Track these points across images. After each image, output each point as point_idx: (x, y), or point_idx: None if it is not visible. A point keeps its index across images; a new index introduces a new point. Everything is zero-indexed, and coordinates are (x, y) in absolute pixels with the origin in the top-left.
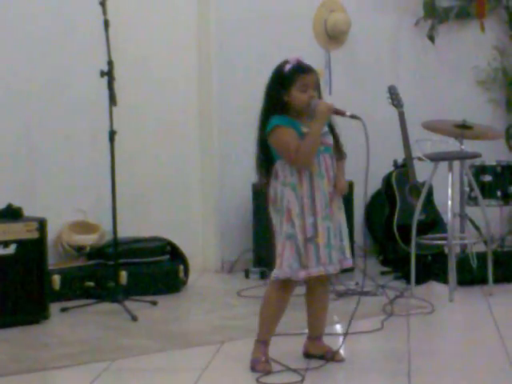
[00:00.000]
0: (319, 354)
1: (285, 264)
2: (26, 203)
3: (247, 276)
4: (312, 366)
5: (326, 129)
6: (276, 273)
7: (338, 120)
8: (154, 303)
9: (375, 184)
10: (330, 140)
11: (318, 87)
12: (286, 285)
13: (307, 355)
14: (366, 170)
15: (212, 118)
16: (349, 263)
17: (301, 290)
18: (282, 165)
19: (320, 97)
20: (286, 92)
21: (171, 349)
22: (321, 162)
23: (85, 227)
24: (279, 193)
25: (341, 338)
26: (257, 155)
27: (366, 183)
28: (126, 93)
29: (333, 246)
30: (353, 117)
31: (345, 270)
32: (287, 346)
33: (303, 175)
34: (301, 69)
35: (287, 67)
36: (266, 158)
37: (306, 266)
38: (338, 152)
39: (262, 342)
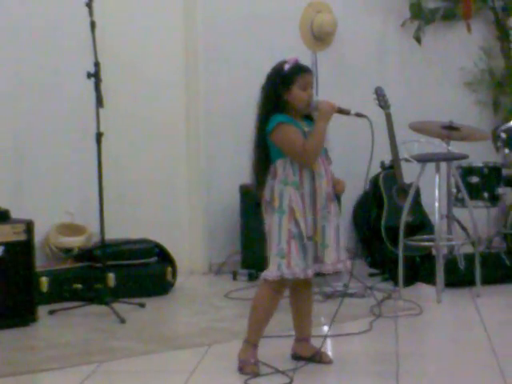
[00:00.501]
0: (307, 355)
1: (293, 263)
2: (13, 205)
3: (235, 278)
4: (300, 367)
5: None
6: (285, 272)
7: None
8: (142, 305)
9: (362, 185)
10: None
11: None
12: (280, 286)
13: (296, 357)
14: (368, 167)
15: (199, 119)
16: (349, 264)
17: (286, 291)
18: (283, 163)
19: None
20: (287, 91)
21: (159, 351)
22: (320, 162)
23: (72, 229)
24: (277, 192)
25: (328, 340)
26: (257, 156)
27: (367, 180)
28: (113, 94)
29: (327, 246)
30: (358, 115)
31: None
32: (275, 348)
33: (305, 174)
34: (301, 68)
35: (287, 66)
36: (265, 158)
37: (309, 264)
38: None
39: (252, 344)
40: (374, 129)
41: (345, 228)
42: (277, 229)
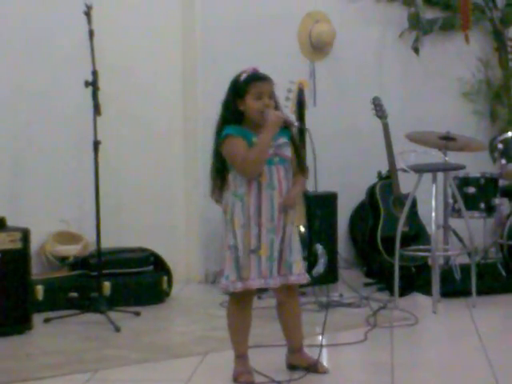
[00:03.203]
0: (303, 365)
1: (225, 275)
2: (10, 213)
3: None
4: (295, 377)
5: (283, 140)
6: (220, 284)
7: (321, 135)
8: (138, 314)
9: (359, 195)
10: (287, 152)
11: (273, 97)
12: (241, 298)
13: (291, 367)
14: (315, 172)
15: (197, 127)
16: (296, 279)
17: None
18: (233, 175)
19: (278, 107)
20: (242, 101)
21: (154, 360)
22: (273, 173)
23: (68, 237)
24: (230, 203)
25: (323, 350)
26: (212, 165)
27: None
28: (111, 103)
29: (275, 260)
30: (300, 126)
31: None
32: (270, 358)
33: (252, 186)
34: (256, 77)
35: (243, 76)
36: (221, 167)
37: (246, 277)
38: (299, 166)
39: (239, 357)
40: (372, 139)
41: (341, 238)
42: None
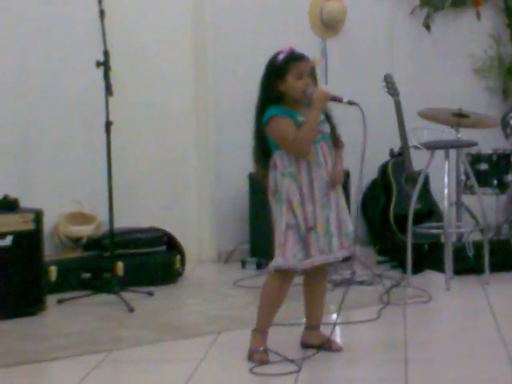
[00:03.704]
0: (317, 343)
1: (289, 254)
2: (23, 194)
3: (243, 266)
4: (309, 355)
5: (322, 117)
6: (280, 263)
7: (333, 109)
8: (151, 294)
9: (371, 173)
10: (326, 128)
11: (313, 75)
12: (287, 275)
13: (305, 345)
14: (362, 155)
15: (208, 108)
16: (354, 249)
17: (297, 279)
18: (280, 155)
19: (316, 85)
20: (282, 81)
21: (168, 340)
22: (318, 150)
23: (81, 218)
24: (279, 183)
25: (336, 328)
26: (255, 147)
27: (361, 169)
28: (122, 83)
29: (332, 235)
30: (350, 103)
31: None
32: (284, 336)
33: (301, 164)
34: (295, 56)
35: (281, 56)
36: (264, 149)
37: (310, 255)
38: (335, 141)
39: (261, 332)
40: (384, 116)
41: (353, 216)
42: (278, 219)
